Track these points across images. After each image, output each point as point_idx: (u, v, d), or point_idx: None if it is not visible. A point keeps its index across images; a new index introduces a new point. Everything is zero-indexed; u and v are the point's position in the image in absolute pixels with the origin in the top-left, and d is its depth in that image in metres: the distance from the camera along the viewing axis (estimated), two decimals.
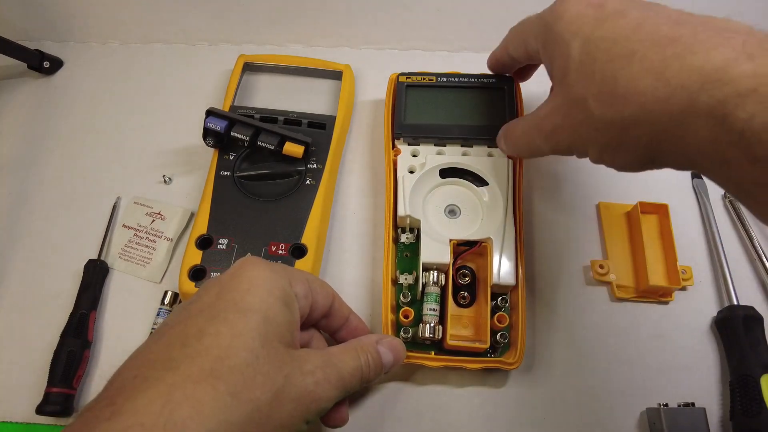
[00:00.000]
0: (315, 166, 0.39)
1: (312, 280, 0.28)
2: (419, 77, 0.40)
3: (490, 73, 0.40)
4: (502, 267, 0.33)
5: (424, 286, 0.33)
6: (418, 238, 0.35)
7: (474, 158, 0.37)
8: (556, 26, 0.26)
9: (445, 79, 0.40)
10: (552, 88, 0.29)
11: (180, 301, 0.36)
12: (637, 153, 0.24)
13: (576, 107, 0.25)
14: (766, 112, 0.19)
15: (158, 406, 0.20)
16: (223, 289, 0.24)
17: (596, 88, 0.24)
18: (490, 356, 0.33)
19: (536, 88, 0.46)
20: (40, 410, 0.32)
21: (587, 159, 0.42)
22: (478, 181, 0.37)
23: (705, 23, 0.22)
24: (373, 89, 0.46)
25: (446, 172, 0.37)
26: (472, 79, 0.40)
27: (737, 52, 0.20)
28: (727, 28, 0.21)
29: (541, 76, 0.49)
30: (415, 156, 0.37)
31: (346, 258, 0.38)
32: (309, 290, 0.27)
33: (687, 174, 0.42)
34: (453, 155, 0.37)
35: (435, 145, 0.38)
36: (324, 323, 0.30)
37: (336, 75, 0.45)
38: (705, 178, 0.42)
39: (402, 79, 0.40)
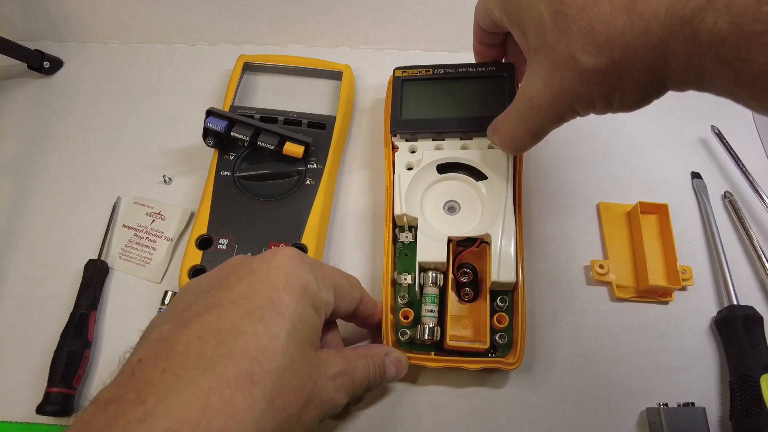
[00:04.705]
0: (315, 166, 0.39)
1: (339, 287, 0.28)
2: (415, 70, 0.39)
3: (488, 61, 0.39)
4: (501, 264, 0.33)
5: (421, 287, 0.33)
6: (416, 236, 0.35)
7: (472, 152, 0.36)
8: None
9: (442, 71, 0.38)
10: (528, 63, 0.28)
11: None
12: (640, 89, 0.24)
13: (567, 67, 0.25)
14: (724, 17, 0.19)
15: (194, 411, 0.19)
16: (257, 280, 0.23)
17: (578, 43, 0.24)
18: (490, 356, 0.33)
19: None
20: (40, 410, 0.32)
21: (587, 158, 0.43)
22: (477, 175, 0.36)
23: None
24: (373, 89, 0.46)
25: (444, 168, 0.36)
26: (470, 68, 0.38)
27: None
28: None
29: None
30: (413, 152, 0.37)
31: (346, 258, 0.38)
32: (332, 299, 0.27)
33: (687, 174, 0.42)
34: (452, 149, 0.37)
35: (433, 140, 0.37)
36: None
37: (336, 75, 0.45)
38: (704, 179, 0.42)
39: (398, 73, 0.39)
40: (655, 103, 0.50)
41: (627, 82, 0.24)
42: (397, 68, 0.39)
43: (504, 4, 0.28)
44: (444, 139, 0.37)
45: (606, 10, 0.22)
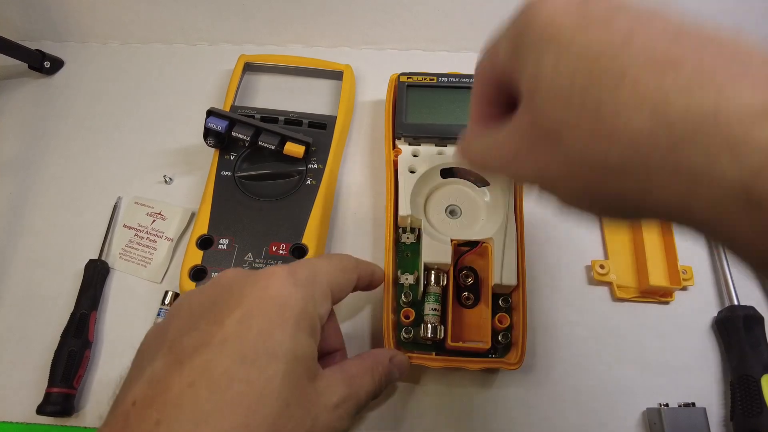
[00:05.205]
0: (316, 166, 0.39)
1: (336, 287, 0.27)
2: (420, 77, 0.40)
3: None
4: (503, 267, 0.33)
5: (425, 286, 0.33)
6: (418, 238, 0.35)
7: None
8: (527, 31, 0.20)
9: (445, 80, 0.40)
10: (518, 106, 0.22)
11: None
12: (622, 204, 0.19)
13: (546, 138, 0.19)
14: None
15: None
16: (247, 315, 0.22)
17: (573, 118, 0.18)
18: (492, 357, 0.33)
19: None
20: (40, 410, 0.32)
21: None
22: (479, 181, 0.37)
23: (710, 40, 0.17)
24: (373, 89, 0.46)
25: (447, 172, 0.37)
26: (472, 80, 0.40)
27: (763, 94, 0.15)
28: (738, 49, 0.16)
29: None
30: (415, 156, 0.37)
31: None
32: (330, 305, 0.26)
33: None
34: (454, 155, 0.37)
35: (436, 145, 0.38)
36: None
37: (336, 75, 0.45)
38: None
39: (403, 78, 0.40)
40: None
41: (608, 189, 0.18)
42: (402, 74, 0.41)
43: (513, 39, 0.21)
44: (446, 145, 0.38)
45: (626, 95, 0.17)
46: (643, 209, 0.18)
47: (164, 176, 0.41)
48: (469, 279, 0.34)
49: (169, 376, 0.21)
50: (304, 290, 0.24)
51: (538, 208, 0.40)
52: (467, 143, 0.25)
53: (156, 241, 0.39)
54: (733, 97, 0.15)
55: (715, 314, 0.36)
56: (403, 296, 0.34)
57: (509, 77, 0.21)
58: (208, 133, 0.38)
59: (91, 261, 0.37)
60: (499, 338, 0.33)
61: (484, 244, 0.34)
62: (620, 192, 0.18)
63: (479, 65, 0.24)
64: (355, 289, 0.30)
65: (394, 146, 0.38)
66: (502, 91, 0.23)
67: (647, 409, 0.33)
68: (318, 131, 0.40)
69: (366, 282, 0.30)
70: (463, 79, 0.40)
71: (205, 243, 0.36)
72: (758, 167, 0.14)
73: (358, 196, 0.41)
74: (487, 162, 0.24)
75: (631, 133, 0.17)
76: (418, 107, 0.39)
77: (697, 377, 0.35)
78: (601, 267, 0.37)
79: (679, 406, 0.32)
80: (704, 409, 0.32)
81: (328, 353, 0.29)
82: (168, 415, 0.19)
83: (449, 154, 0.37)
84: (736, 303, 0.36)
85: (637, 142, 0.16)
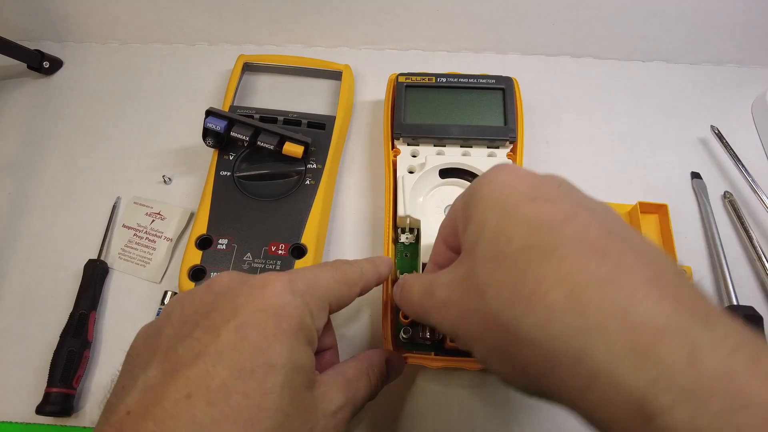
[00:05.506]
0: (315, 166, 0.39)
1: (336, 300, 0.26)
2: (419, 77, 0.40)
3: (489, 73, 0.41)
4: None
5: None
6: (417, 238, 0.35)
7: (474, 158, 0.37)
8: (481, 191, 0.22)
9: (444, 80, 0.40)
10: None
11: None
12: (526, 377, 0.19)
13: (474, 290, 0.20)
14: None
15: None
16: (243, 325, 0.21)
17: (501, 277, 0.19)
18: None
19: (539, 94, 0.46)
20: (39, 410, 0.32)
21: (587, 158, 0.43)
22: None
23: (636, 243, 0.19)
24: (372, 89, 0.46)
25: (446, 173, 0.37)
26: (472, 80, 0.40)
27: (667, 307, 0.16)
28: (656, 258, 0.18)
29: (546, 92, 0.49)
30: (414, 156, 0.38)
31: (346, 258, 0.38)
32: (327, 317, 0.26)
33: (687, 174, 0.42)
34: (453, 155, 0.37)
35: (435, 146, 0.38)
36: None
37: (336, 75, 0.45)
38: (704, 179, 0.42)
39: (401, 79, 0.40)
40: (655, 102, 0.50)
41: (516, 356, 0.19)
42: (401, 74, 0.41)
43: (466, 199, 0.24)
44: (445, 145, 0.38)
45: (550, 269, 0.18)
46: (543, 389, 0.18)
47: (163, 176, 0.41)
48: None
49: (164, 386, 0.20)
50: (301, 300, 0.23)
51: None
52: (410, 283, 0.26)
53: (155, 241, 0.39)
54: (642, 302, 0.16)
55: None
56: None
57: (458, 229, 0.24)
58: (207, 133, 0.38)
59: (90, 261, 0.37)
60: None
61: None
62: (525, 363, 0.18)
63: (444, 218, 0.27)
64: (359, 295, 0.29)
65: (393, 146, 0.38)
66: (457, 239, 0.24)
67: None
68: (317, 131, 0.40)
69: (371, 288, 0.29)
70: (462, 80, 0.40)
71: (204, 243, 0.36)
72: (654, 380, 0.15)
73: (357, 197, 0.41)
74: (423, 301, 0.24)
75: (546, 304, 0.17)
76: (417, 107, 0.39)
77: None
78: None
79: None
80: None
81: (319, 351, 0.28)
82: (165, 427, 0.19)
83: (448, 154, 0.37)
84: (735, 303, 0.35)
85: (549, 315, 0.17)
